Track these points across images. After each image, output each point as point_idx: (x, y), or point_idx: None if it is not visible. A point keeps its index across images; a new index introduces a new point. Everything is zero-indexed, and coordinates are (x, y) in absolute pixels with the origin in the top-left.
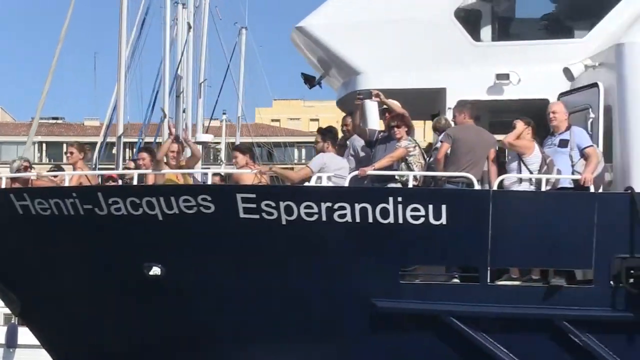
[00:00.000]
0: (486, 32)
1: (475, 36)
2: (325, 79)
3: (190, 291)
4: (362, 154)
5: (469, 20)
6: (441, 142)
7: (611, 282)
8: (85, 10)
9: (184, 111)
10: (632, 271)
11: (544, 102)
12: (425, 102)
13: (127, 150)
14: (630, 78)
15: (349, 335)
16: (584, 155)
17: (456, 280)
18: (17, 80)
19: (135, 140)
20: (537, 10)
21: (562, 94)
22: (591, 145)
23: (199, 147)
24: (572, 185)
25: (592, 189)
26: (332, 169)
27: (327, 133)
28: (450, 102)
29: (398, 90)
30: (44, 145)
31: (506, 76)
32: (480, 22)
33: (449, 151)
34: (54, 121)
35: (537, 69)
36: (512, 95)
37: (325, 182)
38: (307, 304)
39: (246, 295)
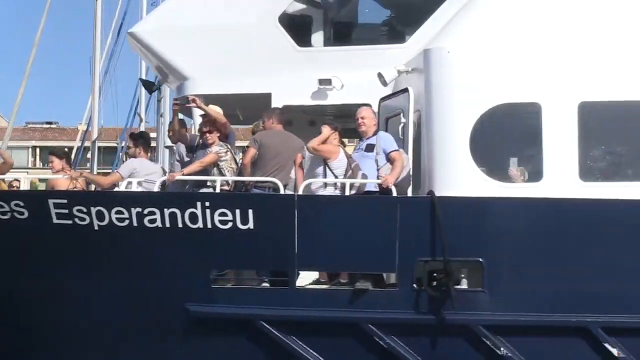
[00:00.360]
0: (318, 37)
1: (306, 41)
2: (165, 84)
3: (8, 298)
4: (187, 159)
5: (298, 25)
6: (248, 147)
7: (414, 285)
8: (82, 16)
9: (161, 115)
10: (434, 274)
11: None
12: (256, 108)
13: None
14: (435, 83)
15: (164, 340)
16: (389, 159)
17: (266, 285)
18: (13, 85)
19: (112, 144)
20: (380, 15)
21: (382, 99)
22: (396, 150)
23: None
24: (377, 189)
25: (394, 193)
26: (143, 174)
27: (138, 138)
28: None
29: (226, 96)
30: (37, 150)
31: (328, 81)
32: (311, 28)
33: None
34: (48, 126)
35: (362, 74)
36: (336, 100)
37: (135, 188)
38: (123, 308)
39: (63, 301)
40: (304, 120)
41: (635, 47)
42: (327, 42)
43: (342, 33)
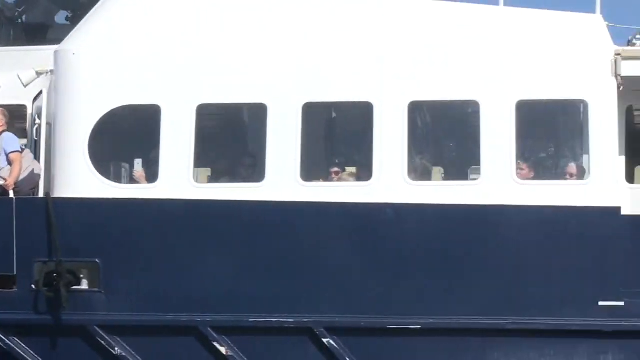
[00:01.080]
0: None
1: None
2: None
3: None
4: None
5: None
6: None
7: (33, 286)
8: None
9: None
10: (54, 274)
11: (23, 109)
12: None
13: None
14: (61, 85)
15: None
16: (9, 161)
17: None
18: None
19: None
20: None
21: (34, 100)
22: (16, 151)
23: None
24: None
25: (11, 194)
26: None
27: None
28: None
29: None
30: None
31: None
32: None
33: None
34: None
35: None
36: None
37: None
38: None
39: None
40: None
41: (285, 53)
42: (4, 43)
43: (35, 33)
